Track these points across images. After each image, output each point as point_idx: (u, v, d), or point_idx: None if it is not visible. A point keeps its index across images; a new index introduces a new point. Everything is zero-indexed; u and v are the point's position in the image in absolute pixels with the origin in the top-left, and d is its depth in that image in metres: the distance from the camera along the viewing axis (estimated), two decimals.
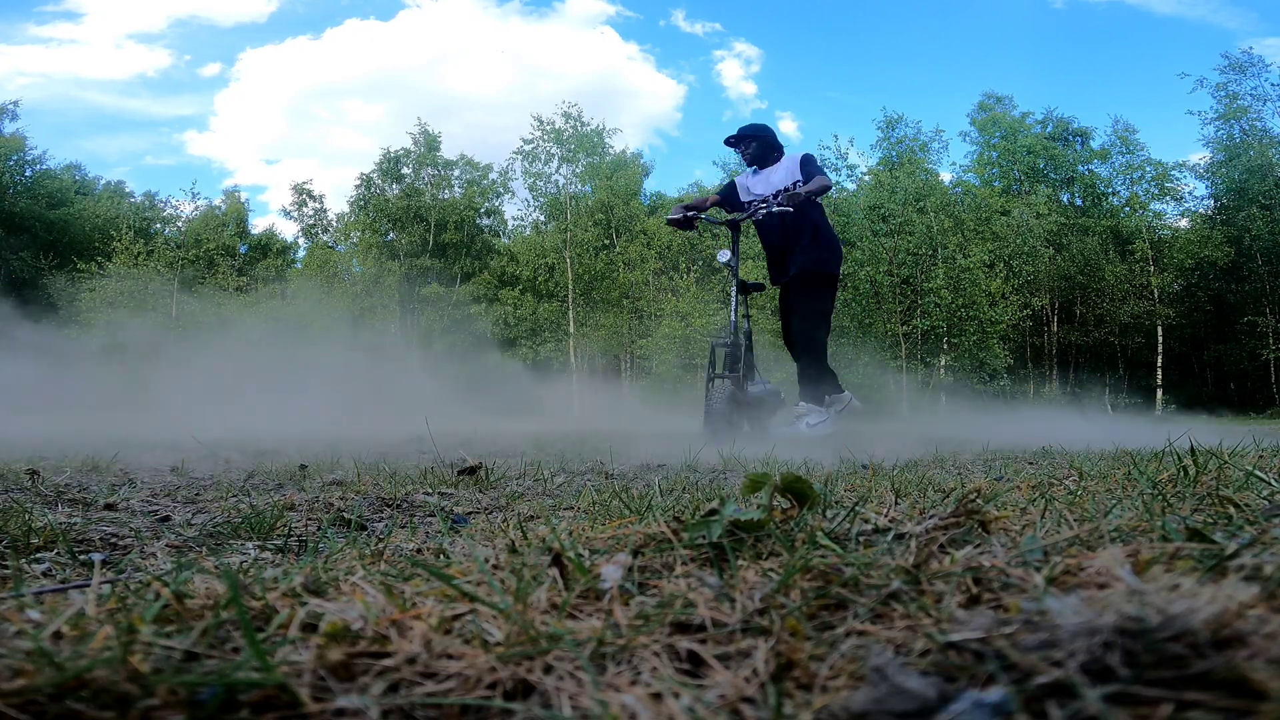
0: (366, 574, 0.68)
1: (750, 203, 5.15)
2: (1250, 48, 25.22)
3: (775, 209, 4.78)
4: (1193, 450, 1.24)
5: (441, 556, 0.86)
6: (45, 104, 43.53)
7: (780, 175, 5.04)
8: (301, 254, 31.87)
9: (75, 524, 1.31)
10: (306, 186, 30.25)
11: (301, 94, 50.20)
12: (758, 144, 5.16)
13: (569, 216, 26.86)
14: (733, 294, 4.92)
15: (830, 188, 4.95)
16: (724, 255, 4.88)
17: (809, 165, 4.97)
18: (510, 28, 49.52)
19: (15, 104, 27.70)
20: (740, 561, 0.68)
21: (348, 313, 27.08)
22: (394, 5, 62.08)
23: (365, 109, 50.29)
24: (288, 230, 37.21)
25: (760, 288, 5.43)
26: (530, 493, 2.00)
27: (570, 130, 27.39)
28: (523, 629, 0.52)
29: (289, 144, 52.18)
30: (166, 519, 1.47)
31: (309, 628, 0.53)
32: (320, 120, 50.68)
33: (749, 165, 5.28)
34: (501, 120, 47.96)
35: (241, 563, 0.93)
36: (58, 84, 44.61)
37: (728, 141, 5.31)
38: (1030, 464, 2.76)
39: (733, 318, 4.85)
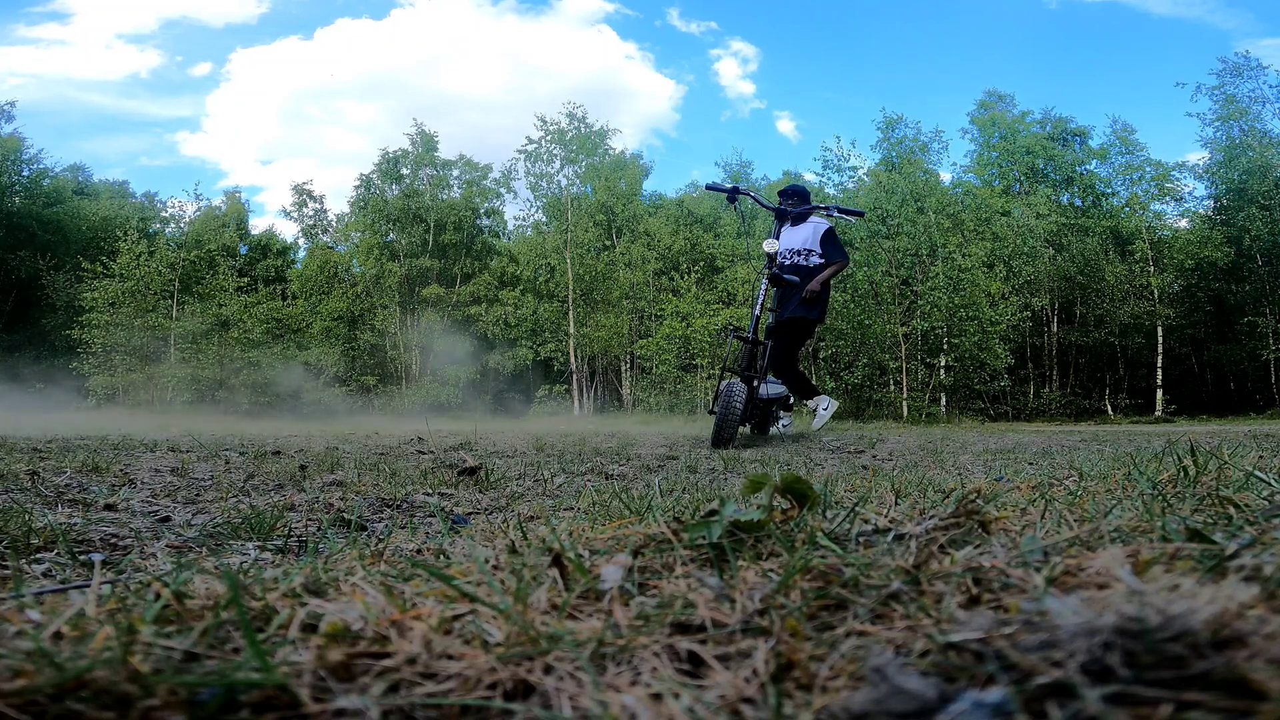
0: (366, 574, 0.68)
1: (781, 254, 5.58)
2: (1247, 51, 25.22)
3: (791, 279, 5.02)
4: (1193, 451, 1.24)
5: (442, 557, 0.86)
6: (42, 105, 43.60)
7: (804, 235, 5.53)
8: (302, 254, 31.89)
9: (75, 524, 1.31)
10: (307, 187, 30.28)
11: (295, 94, 50.25)
12: (799, 199, 5.62)
13: (569, 217, 26.86)
14: (763, 286, 4.72)
15: (845, 266, 5.53)
16: (772, 245, 4.74)
17: (828, 245, 5.47)
18: (506, 26, 49.59)
19: (12, 104, 27.68)
20: (740, 562, 0.68)
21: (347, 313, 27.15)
22: (387, 4, 62.10)
23: (360, 109, 50.32)
24: (287, 231, 37.30)
25: (795, 283, 5.17)
26: (530, 493, 2.00)
27: (574, 130, 27.40)
28: (523, 629, 0.52)
29: (284, 144, 52.21)
30: (166, 519, 1.47)
31: (309, 628, 0.53)
32: (315, 121, 50.73)
33: (787, 216, 5.57)
34: (499, 120, 48.02)
35: (242, 563, 0.93)
36: (51, 85, 44.69)
37: (781, 193, 5.77)
38: (1030, 464, 2.76)
39: (756, 312, 4.63)
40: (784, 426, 5.61)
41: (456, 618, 0.55)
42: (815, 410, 5.77)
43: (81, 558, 1.06)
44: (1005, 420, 20.83)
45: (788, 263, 5.53)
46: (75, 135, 47.49)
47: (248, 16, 53.15)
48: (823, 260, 5.51)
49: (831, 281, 5.61)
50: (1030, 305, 24.16)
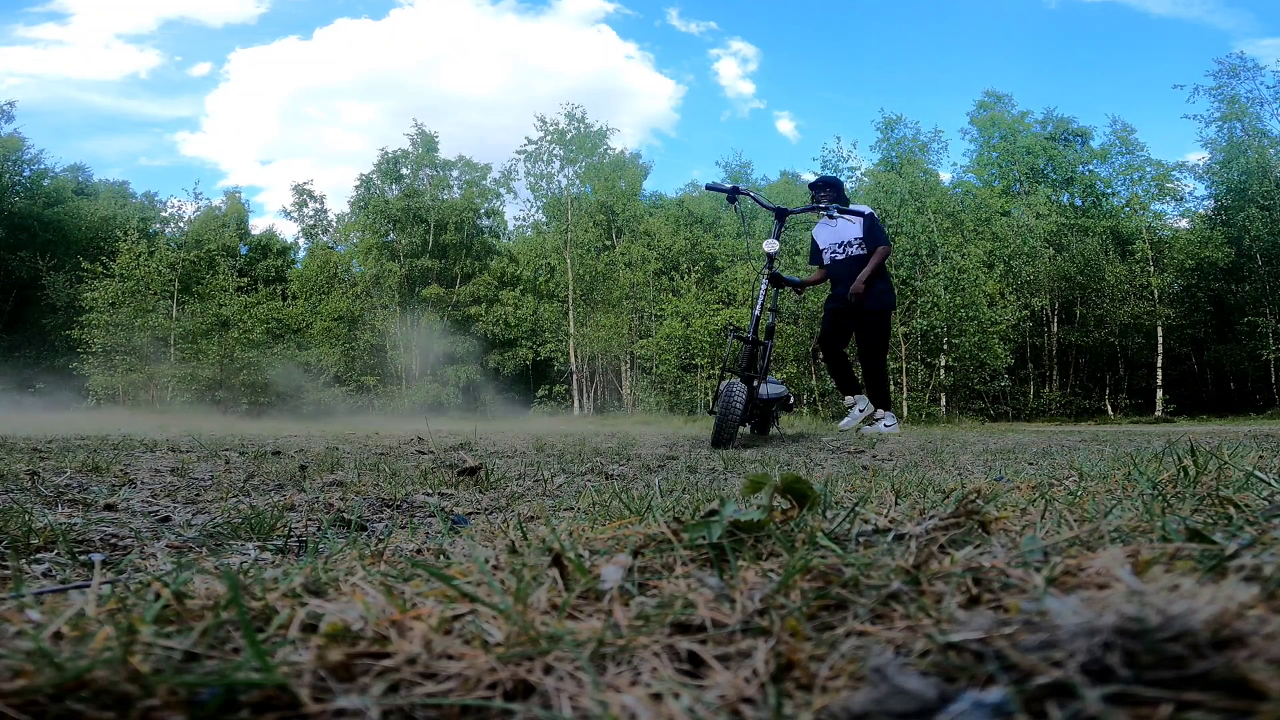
0: (366, 574, 0.67)
1: (832, 250, 5.95)
2: (1241, 51, 25.20)
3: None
4: (1193, 451, 1.24)
5: (442, 557, 0.86)
6: (42, 105, 43.60)
7: (849, 227, 5.80)
8: (302, 254, 31.88)
9: (75, 524, 1.31)
10: (307, 187, 30.26)
11: (294, 95, 50.29)
12: (831, 190, 5.81)
13: (569, 217, 26.85)
14: (763, 286, 4.73)
15: (888, 251, 5.80)
16: (772, 245, 4.77)
17: (869, 233, 5.71)
18: (506, 26, 49.60)
19: (12, 104, 27.64)
20: (740, 562, 0.68)
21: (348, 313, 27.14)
22: (385, 4, 62.06)
23: (359, 109, 50.36)
24: (287, 231, 37.31)
25: (796, 283, 5.10)
26: (530, 493, 2.00)
27: (574, 131, 27.39)
28: (523, 629, 0.52)
29: (283, 145, 52.23)
30: (166, 519, 1.47)
31: (309, 628, 0.53)
32: (314, 121, 50.76)
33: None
34: (499, 120, 48.06)
35: (242, 563, 0.93)
36: (51, 85, 44.69)
37: (811, 185, 6.01)
38: (1030, 464, 2.76)
39: (756, 312, 4.63)
40: (886, 427, 5.82)
41: (456, 618, 0.55)
42: (852, 408, 5.99)
43: (81, 558, 1.06)
44: (1005, 420, 20.82)
45: (841, 257, 5.83)
46: (75, 135, 47.51)
47: (247, 16, 53.17)
48: (864, 252, 5.75)
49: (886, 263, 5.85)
50: (1030, 305, 24.15)
